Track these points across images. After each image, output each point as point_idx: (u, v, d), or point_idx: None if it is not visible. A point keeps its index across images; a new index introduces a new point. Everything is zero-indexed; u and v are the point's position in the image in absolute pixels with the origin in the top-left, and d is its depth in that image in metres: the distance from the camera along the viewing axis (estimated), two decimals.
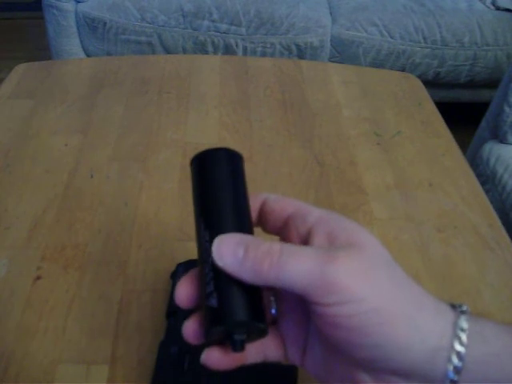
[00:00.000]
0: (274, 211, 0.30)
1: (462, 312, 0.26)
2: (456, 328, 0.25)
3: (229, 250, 0.26)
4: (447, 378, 0.25)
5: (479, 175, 1.12)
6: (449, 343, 0.25)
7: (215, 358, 0.29)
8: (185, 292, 0.29)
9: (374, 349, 0.25)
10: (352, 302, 0.24)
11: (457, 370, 0.25)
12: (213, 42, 1.65)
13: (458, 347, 0.25)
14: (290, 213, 0.29)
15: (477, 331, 0.26)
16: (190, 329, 0.28)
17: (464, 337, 0.25)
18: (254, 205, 0.30)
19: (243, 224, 0.28)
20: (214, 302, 0.26)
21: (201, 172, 0.30)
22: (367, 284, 0.24)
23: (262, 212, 0.30)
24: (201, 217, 0.29)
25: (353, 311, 0.24)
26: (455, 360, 0.25)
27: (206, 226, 0.28)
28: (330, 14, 1.71)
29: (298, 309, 0.30)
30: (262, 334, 0.28)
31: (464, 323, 0.25)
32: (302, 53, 1.65)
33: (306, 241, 0.27)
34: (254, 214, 0.30)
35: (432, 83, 1.64)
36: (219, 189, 0.29)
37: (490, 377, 0.26)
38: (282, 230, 0.29)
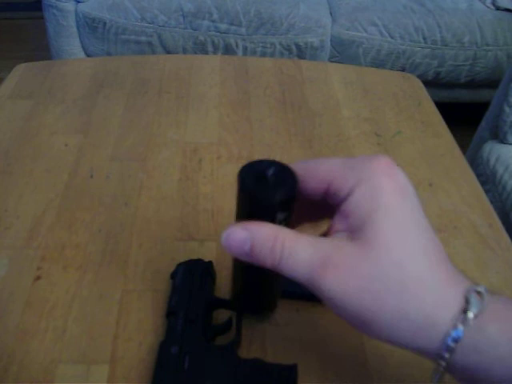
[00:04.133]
0: (310, 179, 0.31)
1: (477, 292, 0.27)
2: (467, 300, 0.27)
3: (236, 244, 0.29)
4: (444, 344, 0.27)
5: (479, 175, 1.12)
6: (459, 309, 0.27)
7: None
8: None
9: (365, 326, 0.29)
10: (336, 308, 0.28)
11: (456, 339, 0.26)
12: (213, 42, 1.65)
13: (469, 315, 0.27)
14: (327, 182, 0.30)
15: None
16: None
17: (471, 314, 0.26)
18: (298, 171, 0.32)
19: None
20: None
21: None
22: (349, 296, 0.28)
23: (305, 178, 0.31)
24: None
25: (339, 313, 0.29)
26: (460, 326, 0.26)
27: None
28: (330, 13, 1.71)
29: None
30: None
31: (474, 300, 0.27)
32: (302, 53, 1.65)
33: (336, 211, 0.30)
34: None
35: (432, 83, 1.64)
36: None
37: (483, 359, 0.27)
38: (325, 196, 0.31)
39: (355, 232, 0.28)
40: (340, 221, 0.29)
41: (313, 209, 0.33)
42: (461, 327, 0.26)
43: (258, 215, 0.30)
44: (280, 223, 0.31)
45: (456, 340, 0.26)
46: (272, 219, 0.30)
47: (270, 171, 0.31)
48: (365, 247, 0.27)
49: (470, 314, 0.26)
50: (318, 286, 0.28)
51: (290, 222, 0.32)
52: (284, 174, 0.31)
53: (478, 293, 0.27)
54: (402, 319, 0.27)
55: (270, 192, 0.30)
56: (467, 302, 0.27)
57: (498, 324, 0.27)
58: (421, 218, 0.29)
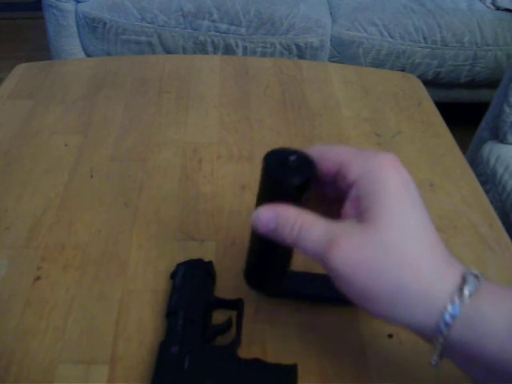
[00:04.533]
0: (324, 160, 0.35)
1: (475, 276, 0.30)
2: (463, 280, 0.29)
3: (263, 223, 0.34)
4: (442, 319, 0.29)
5: (479, 175, 1.12)
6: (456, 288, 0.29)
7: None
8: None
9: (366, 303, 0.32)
10: (345, 285, 0.31)
11: (453, 316, 0.29)
12: (213, 42, 1.65)
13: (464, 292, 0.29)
14: (339, 164, 0.34)
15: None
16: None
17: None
18: (313, 154, 0.35)
19: None
20: None
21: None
22: (352, 271, 0.30)
23: (319, 160, 0.35)
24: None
25: (345, 289, 0.32)
26: (456, 301, 0.29)
27: None
28: (330, 14, 1.71)
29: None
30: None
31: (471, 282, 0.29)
32: (302, 53, 1.65)
33: (346, 194, 0.34)
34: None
35: (432, 83, 1.64)
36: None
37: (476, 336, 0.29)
38: (335, 177, 0.35)
39: (362, 215, 0.31)
40: (350, 206, 0.33)
41: (328, 196, 0.37)
42: (457, 302, 0.29)
43: (278, 196, 0.35)
44: (299, 203, 0.34)
45: (453, 316, 0.29)
46: (292, 200, 0.34)
47: (292, 158, 0.34)
48: (369, 228, 0.31)
49: (466, 291, 0.29)
50: (326, 261, 0.31)
51: (307, 203, 0.35)
52: (304, 161, 0.35)
53: (475, 275, 0.30)
54: (402, 294, 0.30)
55: (290, 176, 0.34)
56: (464, 280, 0.29)
57: (492, 302, 0.29)
58: (421, 207, 0.32)
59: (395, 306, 0.30)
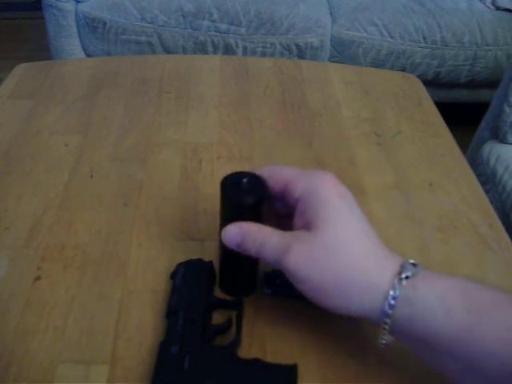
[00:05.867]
0: (273, 179, 0.40)
1: (413, 264, 0.36)
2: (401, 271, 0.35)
3: (231, 238, 0.40)
4: (387, 301, 0.34)
5: (479, 175, 1.12)
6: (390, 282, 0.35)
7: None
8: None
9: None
10: (301, 283, 0.37)
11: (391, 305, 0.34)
12: (213, 42, 1.65)
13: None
14: (285, 183, 0.40)
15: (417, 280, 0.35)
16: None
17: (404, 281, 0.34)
18: (264, 174, 0.41)
19: None
20: None
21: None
22: (309, 269, 0.36)
23: (269, 180, 0.41)
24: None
25: (301, 287, 0.37)
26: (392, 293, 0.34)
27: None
28: (330, 14, 1.71)
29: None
30: None
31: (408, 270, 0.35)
32: (302, 53, 1.65)
33: (294, 209, 0.39)
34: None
35: (432, 83, 1.64)
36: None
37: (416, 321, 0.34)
38: (283, 194, 0.40)
39: (309, 225, 0.37)
40: (298, 218, 0.39)
41: (280, 212, 0.43)
42: (396, 285, 0.34)
43: (235, 215, 0.40)
44: (257, 219, 0.40)
45: (394, 297, 0.34)
46: (248, 216, 0.40)
47: (245, 180, 0.40)
48: (314, 234, 0.36)
49: (403, 275, 0.34)
50: (283, 265, 0.37)
51: (262, 219, 0.41)
52: (256, 182, 0.40)
53: (413, 264, 0.35)
54: (350, 284, 0.35)
55: (244, 196, 0.40)
56: (402, 267, 0.35)
57: (427, 283, 0.34)
58: (358, 213, 0.38)
59: (345, 298, 0.36)
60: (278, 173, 0.41)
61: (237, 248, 0.40)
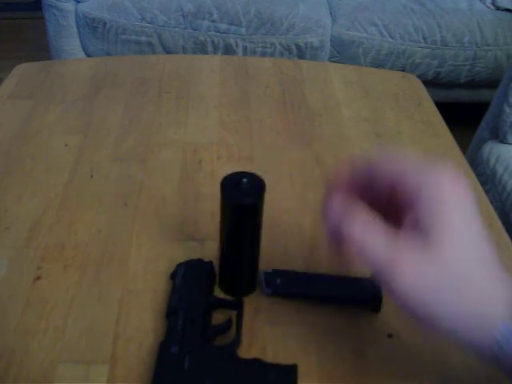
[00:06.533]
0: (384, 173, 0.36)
1: None
2: None
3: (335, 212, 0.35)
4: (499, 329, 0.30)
5: (479, 175, 1.12)
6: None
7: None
8: None
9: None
10: (401, 300, 0.32)
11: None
12: (213, 42, 1.65)
13: None
14: (393, 183, 0.34)
15: None
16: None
17: None
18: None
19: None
20: None
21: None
22: (416, 292, 0.31)
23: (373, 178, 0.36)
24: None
25: (403, 305, 0.32)
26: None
27: None
28: (330, 14, 1.71)
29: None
30: None
31: None
32: (302, 53, 1.65)
33: (405, 207, 0.34)
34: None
35: (432, 83, 1.64)
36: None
37: None
38: (391, 191, 0.35)
39: (423, 236, 0.32)
40: (410, 223, 0.33)
41: (382, 199, 0.37)
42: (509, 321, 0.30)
43: (235, 214, 0.41)
44: (254, 219, 0.41)
45: (504, 334, 0.30)
46: (246, 217, 0.41)
47: (245, 180, 0.40)
48: (432, 253, 0.31)
49: None
50: (389, 278, 0.31)
51: (261, 219, 0.42)
52: (255, 182, 0.41)
53: None
54: (462, 318, 0.31)
55: (243, 197, 0.40)
56: None
57: None
58: (478, 231, 0.33)
59: (457, 321, 0.32)
60: (387, 166, 0.36)
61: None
